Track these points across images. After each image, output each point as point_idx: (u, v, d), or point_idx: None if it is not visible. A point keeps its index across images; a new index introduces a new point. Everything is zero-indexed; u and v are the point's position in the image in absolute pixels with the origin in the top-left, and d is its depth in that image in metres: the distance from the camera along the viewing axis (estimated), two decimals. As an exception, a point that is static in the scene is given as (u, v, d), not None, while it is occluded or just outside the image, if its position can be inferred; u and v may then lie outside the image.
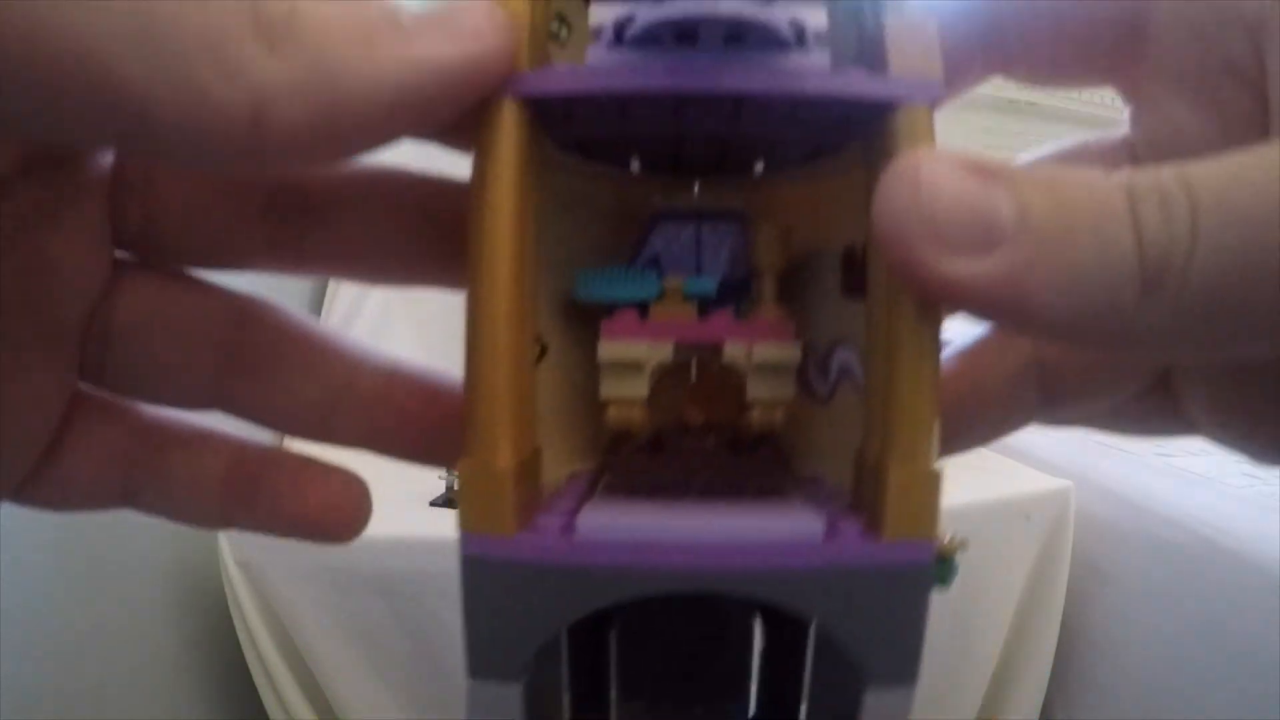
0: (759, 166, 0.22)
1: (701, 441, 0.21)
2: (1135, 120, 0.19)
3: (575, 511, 0.16)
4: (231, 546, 0.76)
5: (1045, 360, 0.19)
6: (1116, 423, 0.20)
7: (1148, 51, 0.17)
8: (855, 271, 0.19)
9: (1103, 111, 1.41)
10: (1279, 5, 0.16)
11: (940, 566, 0.19)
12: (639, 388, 0.19)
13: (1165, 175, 0.13)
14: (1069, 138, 0.20)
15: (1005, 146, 1.56)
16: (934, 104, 0.15)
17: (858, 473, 0.17)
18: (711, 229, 0.22)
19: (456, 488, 0.15)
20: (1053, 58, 0.19)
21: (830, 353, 0.21)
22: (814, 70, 0.16)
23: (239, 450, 0.18)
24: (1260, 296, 0.12)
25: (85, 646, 0.70)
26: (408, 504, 0.77)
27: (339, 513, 0.18)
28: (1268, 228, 0.12)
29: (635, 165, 0.22)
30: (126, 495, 0.18)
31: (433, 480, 0.81)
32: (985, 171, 0.13)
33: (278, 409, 0.18)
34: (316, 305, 1.20)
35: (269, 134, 0.12)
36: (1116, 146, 0.19)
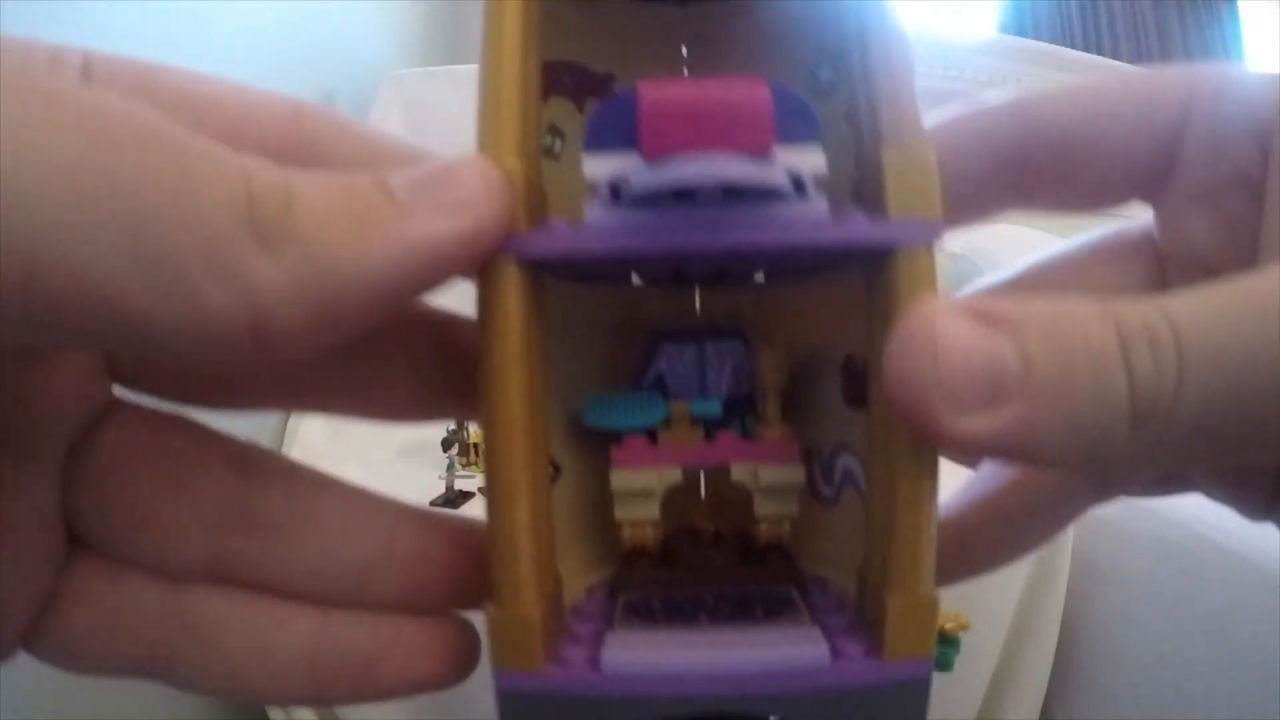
0: (759, 277, 0.22)
1: (712, 552, 0.22)
2: (1159, 228, 0.20)
3: (597, 639, 0.17)
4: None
5: None
6: (1142, 493, 0.22)
7: (1177, 169, 0.18)
8: (856, 382, 0.20)
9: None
10: None
11: (944, 649, 0.20)
12: (651, 510, 0.20)
13: (1153, 316, 0.13)
14: (1098, 229, 0.21)
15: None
16: (934, 244, 0.15)
17: (861, 588, 0.18)
18: (714, 348, 0.22)
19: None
20: (1085, 187, 0.19)
21: (835, 456, 0.21)
22: (812, 219, 0.16)
23: (324, 616, 0.16)
24: (1239, 425, 0.13)
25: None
26: (417, 496, 0.77)
27: (457, 660, 0.17)
28: (1250, 369, 0.13)
29: (636, 279, 0.22)
30: (155, 658, 0.16)
31: (433, 480, 0.81)
32: (989, 319, 0.14)
33: (301, 574, 0.16)
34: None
35: (269, 336, 0.12)
36: (1139, 241, 0.20)
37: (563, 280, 0.20)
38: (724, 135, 0.14)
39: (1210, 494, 0.20)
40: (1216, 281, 0.14)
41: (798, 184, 0.15)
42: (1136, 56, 2.00)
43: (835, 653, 0.16)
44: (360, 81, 1.18)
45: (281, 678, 0.16)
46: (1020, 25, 2.00)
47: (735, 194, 0.15)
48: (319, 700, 0.17)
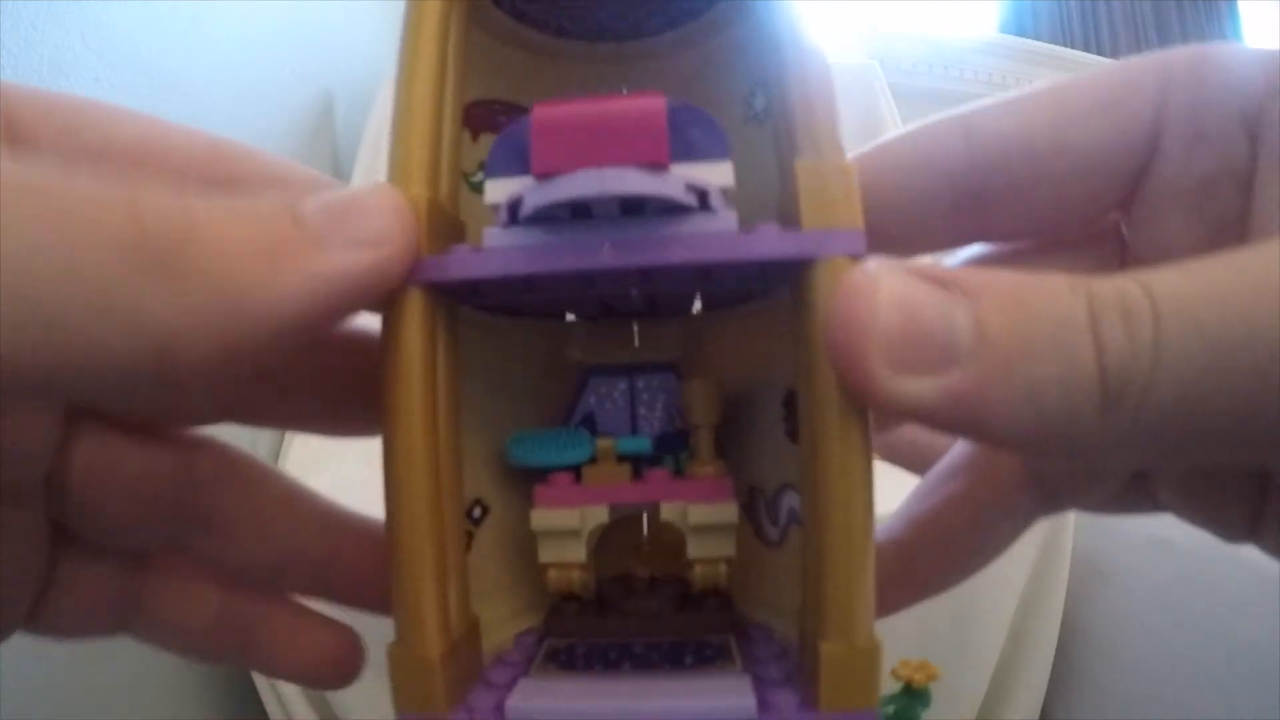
0: (696, 305, 0.21)
1: (647, 598, 0.20)
2: (1130, 233, 0.18)
3: (511, 686, 0.16)
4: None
5: (1039, 466, 0.19)
6: (1099, 509, 0.20)
7: (1153, 168, 0.16)
8: (798, 416, 0.19)
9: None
10: (1278, 83, 0.15)
11: (910, 703, 0.19)
12: (577, 552, 0.19)
13: (1129, 286, 0.12)
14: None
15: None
16: (856, 255, 0.14)
17: (800, 637, 0.16)
18: (645, 383, 0.21)
19: (388, 664, 0.15)
20: (1054, 206, 0.17)
21: (779, 496, 0.20)
22: (720, 235, 0.15)
23: (229, 599, 0.19)
24: (1223, 412, 0.12)
25: (84, 646, 0.70)
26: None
27: (332, 666, 0.19)
28: (1234, 342, 0.11)
29: (570, 316, 0.22)
30: (121, 626, 0.19)
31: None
32: (942, 281, 0.13)
33: (232, 563, 0.19)
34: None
35: (177, 372, 0.12)
36: (1106, 233, 0.18)
37: (493, 315, 0.20)
38: (615, 149, 0.13)
39: (1184, 515, 0.19)
40: (1201, 257, 0.12)
41: (702, 199, 0.14)
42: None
43: (765, 705, 0.15)
44: (360, 81, 1.18)
45: (194, 642, 0.19)
46: (1020, 25, 2.00)
47: (635, 210, 0.14)
48: (218, 662, 0.19)
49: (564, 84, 0.21)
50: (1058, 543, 0.82)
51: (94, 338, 0.11)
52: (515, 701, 0.15)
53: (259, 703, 0.81)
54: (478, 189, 0.20)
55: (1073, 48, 1.86)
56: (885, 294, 0.13)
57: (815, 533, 0.15)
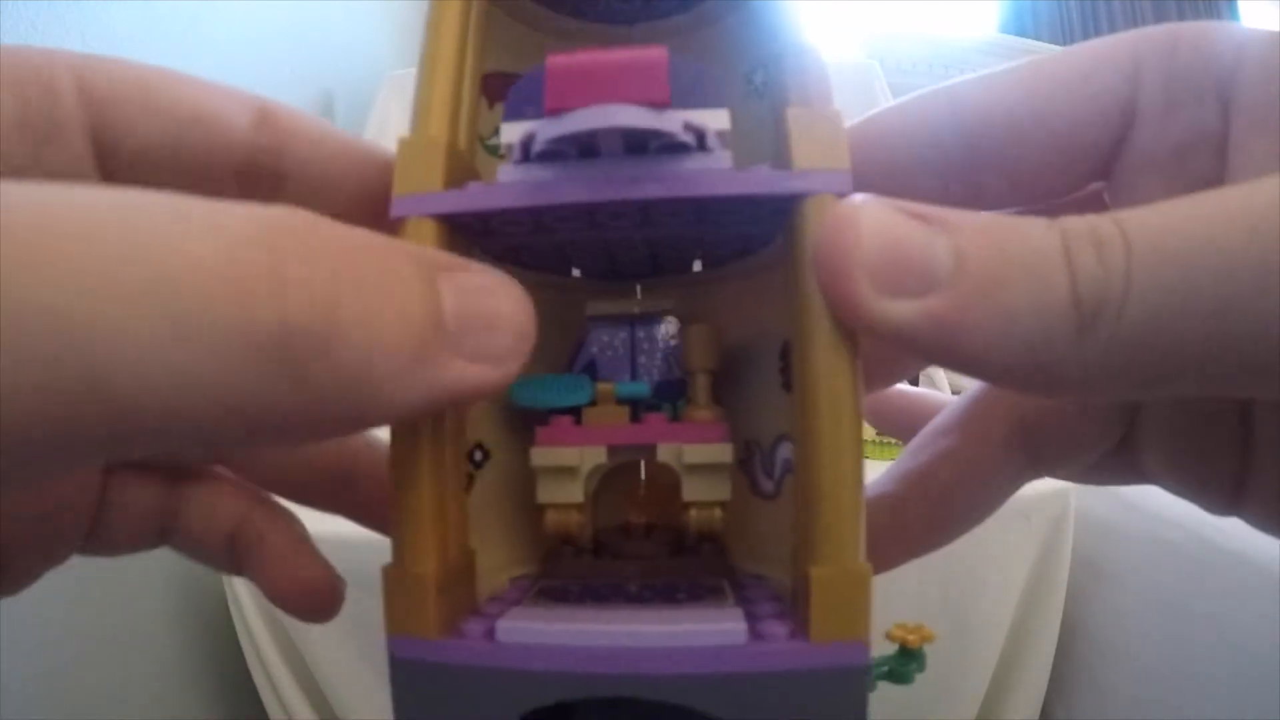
0: (696, 265, 0.22)
1: (643, 544, 0.21)
2: (1111, 200, 0.18)
3: (502, 616, 0.16)
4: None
5: (1028, 423, 0.20)
6: (1087, 476, 0.21)
7: (1131, 137, 0.17)
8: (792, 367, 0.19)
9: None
10: (1250, 53, 0.16)
11: (902, 660, 0.19)
12: (574, 493, 0.19)
13: (1100, 220, 0.13)
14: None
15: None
16: (843, 194, 0.15)
17: (794, 578, 0.16)
18: (645, 331, 0.22)
19: (383, 591, 0.16)
20: (1039, 170, 0.18)
21: (775, 448, 0.21)
22: (715, 172, 0.16)
23: (248, 510, 0.21)
24: (1193, 336, 0.12)
25: (85, 647, 0.70)
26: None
27: (308, 596, 0.21)
28: (1202, 270, 0.12)
29: (575, 272, 0.22)
30: (162, 539, 0.21)
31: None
32: (924, 216, 0.13)
33: (263, 475, 0.21)
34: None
35: (269, 443, 0.12)
36: (1089, 201, 0.19)
37: (504, 265, 0.20)
38: (621, 89, 0.14)
39: (1168, 483, 0.19)
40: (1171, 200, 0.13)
41: (700, 139, 0.16)
42: (1136, 56, 2.00)
43: (756, 635, 0.15)
44: (360, 81, 1.18)
45: (214, 552, 0.21)
46: (1020, 25, 2.00)
47: (638, 149, 0.15)
48: (236, 573, 0.21)
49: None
50: (1058, 543, 0.82)
51: (204, 425, 0.11)
52: (505, 624, 0.15)
53: (259, 703, 0.81)
54: (493, 152, 0.21)
55: (1073, 48, 1.86)
56: (868, 222, 0.13)
57: (805, 467, 0.15)
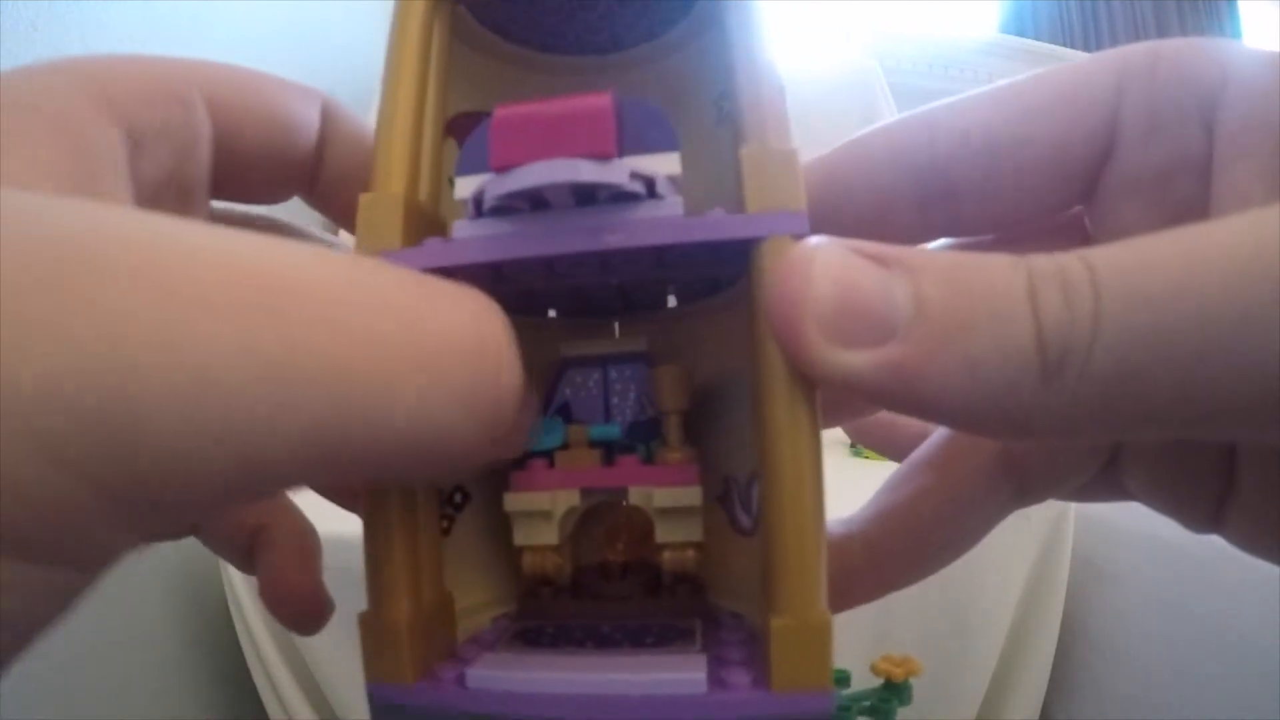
0: (671, 300, 0.22)
1: (619, 584, 0.21)
2: (1091, 224, 0.18)
3: (477, 661, 0.16)
4: (231, 546, 0.76)
5: (1013, 456, 0.19)
6: (1070, 496, 0.20)
7: (1112, 160, 0.17)
8: None
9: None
10: (1233, 73, 0.15)
11: (886, 694, 0.19)
12: (549, 535, 0.19)
13: (1068, 259, 0.12)
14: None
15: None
16: (799, 235, 0.15)
17: (758, 619, 0.17)
18: (618, 371, 0.22)
19: (359, 631, 0.16)
20: (1018, 196, 0.17)
21: (751, 484, 0.21)
22: (666, 219, 0.15)
23: (273, 513, 0.21)
24: (1165, 383, 0.12)
25: (86, 647, 0.70)
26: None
27: (296, 607, 0.22)
28: (1176, 315, 0.11)
29: (551, 313, 0.23)
30: (193, 529, 0.21)
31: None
32: (882, 258, 0.13)
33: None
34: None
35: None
36: (1069, 225, 0.19)
37: None
38: (567, 142, 0.14)
39: (1151, 503, 0.19)
40: (1144, 235, 0.12)
41: (650, 186, 0.15)
42: (1136, 56, 2.00)
43: (719, 683, 0.15)
44: (360, 81, 1.18)
45: (237, 553, 0.22)
46: (1020, 25, 2.00)
47: (588, 200, 0.15)
48: (250, 572, 0.22)
49: (550, 96, 0.23)
50: (1058, 543, 0.82)
51: (431, 465, 0.12)
52: (476, 671, 0.16)
53: (259, 703, 0.81)
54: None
55: (1073, 48, 1.86)
56: (821, 267, 0.13)
57: (766, 510, 0.15)
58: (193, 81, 0.17)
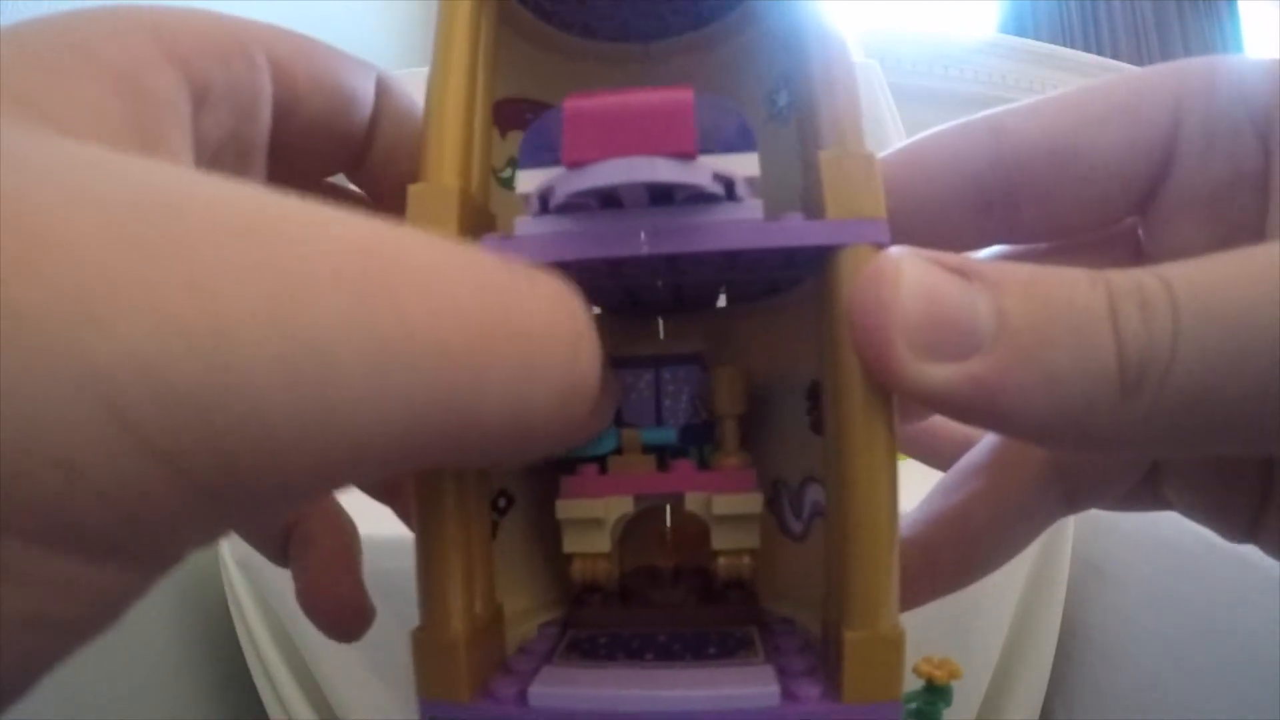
0: (721, 299, 0.22)
1: (670, 590, 0.20)
2: (1147, 239, 0.18)
3: (534, 675, 0.16)
4: (231, 546, 0.76)
5: (1063, 465, 0.19)
6: (1111, 506, 0.21)
7: (1170, 174, 0.17)
8: (822, 408, 0.19)
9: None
10: None
11: (932, 698, 0.19)
12: (601, 542, 0.19)
13: (1146, 278, 0.12)
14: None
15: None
16: (880, 244, 0.15)
17: (824, 627, 0.16)
18: (671, 374, 0.21)
19: (412, 651, 0.16)
20: (1077, 206, 0.17)
21: (803, 489, 0.20)
22: (745, 223, 0.15)
23: (301, 517, 0.20)
24: (1242, 400, 0.12)
25: (85, 648, 0.70)
26: (408, 504, 0.77)
27: (332, 621, 0.21)
28: (1251, 330, 0.12)
29: (595, 310, 0.21)
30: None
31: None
32: (964, 271, 0.13)
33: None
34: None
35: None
36: (1123, 236, 0.19)
37: None
38: (644, 139, 0.14)
39: (1190, 513, 0.19)
40: (1217, 253, 0.12)
41: (729, 188, 0.15)
42: (1136, 56, 2.00)
43: (789, 695, 0.15)
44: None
45: (272, 548, 0.22)
46: (1020, 25, 2.00)
47: (663, 199, 0.15)
48: (283, 564, 0.21)
49: (591, 83, 0.21)
50: (1058, 543, 0.82)
51: (515, 447, 0.12)
52: (538, 688, 0.15)
53: (259, 703, 0.81)
54: (507, 184, 0.20)
55: (1073, 48, 1.86)
56: (909, 279, 0.13)
57: (839, 522, 0.15)
58: (259, 40, 0.16)
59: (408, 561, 0.16)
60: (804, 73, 0.16)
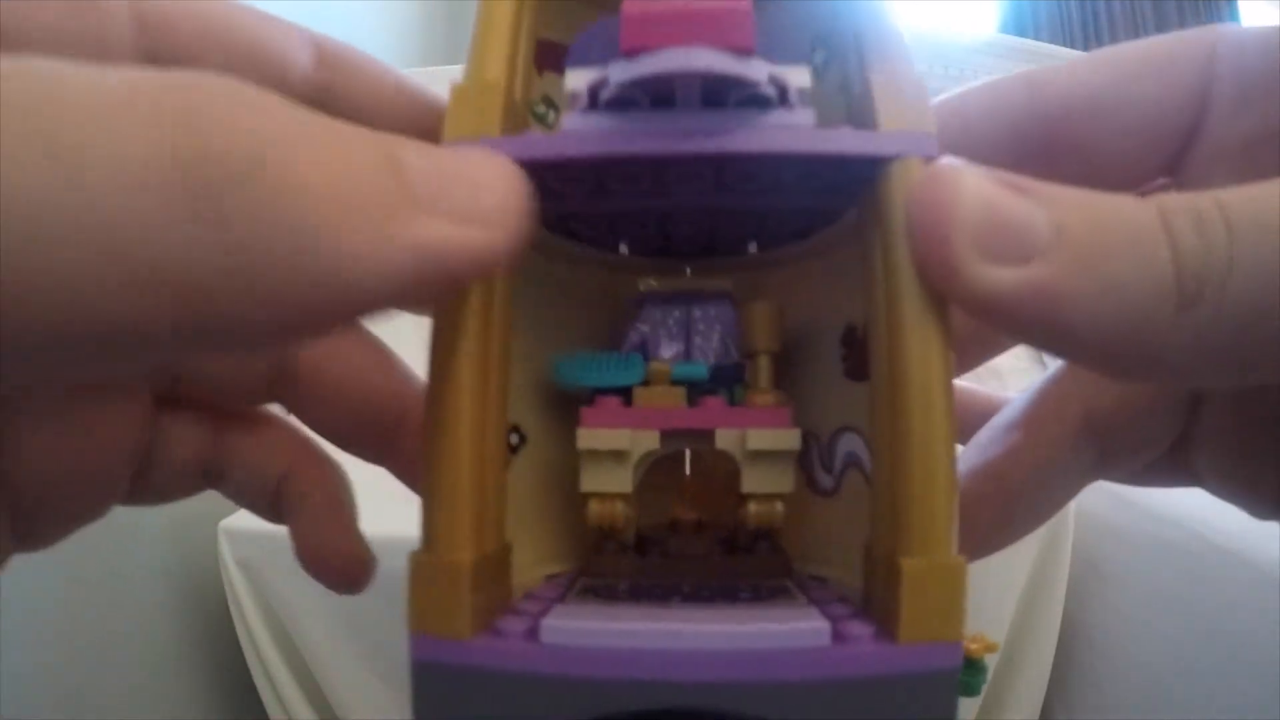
0: (751, 246, 0.21)
1: (694, 541, 0.19)
2: (1179, 187, 0.18)
3: (545, 614, 0.14)
4: (231, 546, 0.76)
5: (1097, 420, 0.19)
6: (1139, 478, 0.20)
7: (1203, 131, 0.17)
8: (857, 353, 0.18)
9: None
10: None
11: (969, 672, 0.16)
12: (622, 481, 0.17)
13: (1197, 196, 0.12)
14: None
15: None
16: (931, 158, 0.14)
17: (868, 569, 0.15)
18: (702, 311, 0.20)
19: (406, 581, 0.13)
20: (1111, 158, 0.18)
21: (834, 440, 0.19)
22: (799, 128, 0.15)
23: (296, 459, 0.20)
24: None
25: (86, 646, 0.70)
26: (407, 503, 0.77)
27: (335, 572, 0.20)
28: None
29: (623, 249, 0.21)
30: (210, 483, 0.20)
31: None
32: (1020, 186, 0.13)
33: (312, 416, 0.20)
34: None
35: (207, 340, 0.10)
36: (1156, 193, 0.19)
37: (545, 230, 0.19)
38: (702, 33, 0.13)
39: (1218, 486, 0.19)
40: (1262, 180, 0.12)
41: (782, 94, 0.15)
42: (1136, 56, 2.00)
43: (838, 635, 0.13)
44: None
45: (261, 501, 0.20)
46: (1020, 25, 2.00)
47: (715, 102, 0.14)
48: (278, 521, 0.20)
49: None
50: (1058, 543, 0.82)
51: (120, 296, 0.09)
52: (551, 623, 0.13)
53: (259, 703, 0.81)
54: (540, 119, 0.20)
55: (1073, 48, 1.86)
56: (968, 185, 0.13)
57: (890, 451, 0.14)
58: None
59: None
60: (854, 26, 0.16)
